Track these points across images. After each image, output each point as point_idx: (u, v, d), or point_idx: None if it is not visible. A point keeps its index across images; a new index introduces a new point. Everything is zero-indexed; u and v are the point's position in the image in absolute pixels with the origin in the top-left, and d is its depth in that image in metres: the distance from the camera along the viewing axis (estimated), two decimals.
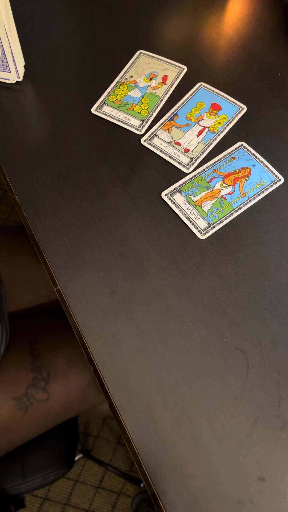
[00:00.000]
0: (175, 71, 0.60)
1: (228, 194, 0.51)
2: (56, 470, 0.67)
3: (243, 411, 0.41)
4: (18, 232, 0.76)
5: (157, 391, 0.42)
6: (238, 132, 0.56)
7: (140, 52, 0.62)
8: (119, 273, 0.47)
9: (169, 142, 0.55)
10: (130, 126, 0.56)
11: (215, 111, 0.57)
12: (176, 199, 0.51)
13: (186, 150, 0.54)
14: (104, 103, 0.58)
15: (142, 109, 0.57)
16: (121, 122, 0.56)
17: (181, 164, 0.53)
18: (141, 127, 0.56)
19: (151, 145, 0.55)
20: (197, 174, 0.53)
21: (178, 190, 0.52)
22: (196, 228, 0.49)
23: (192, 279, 0.47)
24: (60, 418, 0.65)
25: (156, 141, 0.55)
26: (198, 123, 0.56)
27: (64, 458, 0.69)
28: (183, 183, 0.52)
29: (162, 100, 0.58)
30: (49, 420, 0.63)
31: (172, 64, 0.61)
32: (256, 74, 0.60)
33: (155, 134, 0.56)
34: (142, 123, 0.56)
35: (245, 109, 0.57)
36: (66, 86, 0.59)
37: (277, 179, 0.52)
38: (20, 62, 0.57)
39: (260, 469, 0.39)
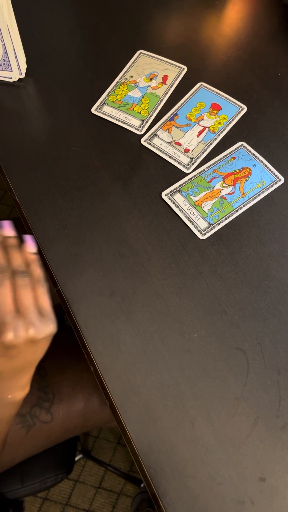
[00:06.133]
0: (175, 71, 0.60)
1: (229, 194, 0.51)
2: (55, 475, 0.67)
3: (243, 411, 0.41)
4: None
5: (157, 391, 0.42)
6: (238, 132, 0.56)
7: (140, 52, 0.62)
8: (119, 273, 0.47)
9: (169, 142, 0.55)
10: (130, 126, 0.56)
11: (215, 111, 0.57)
12: (176, 199, 0.51)
13: (186, 150, 0.54)
14: (104, 103, 0.58)
15: (142, 109, 0.57)
16: (121, 122, 0.56)
17: (181, 164, 0.53)
18: (141, 127, 0.56)
19: (151, 145, 0.55)
20: (197, 174, 0.53)
21: (178, 190, 0.52)
22: (196, 228, 0.49)
23: (192, 279, 0.47)
24: (61, 439, 0.64)
25: (156, 141, 0.55)
26: (198, 123, 0.56)
27: (63, 463, 0.69)
28: (183, 183, 0.52)
29: (162, 100, 0.58)
30: (49, 441, 0.62)
31: (172, 64, 0.61)
32: (256, 74, 0.60)
33: (155, 134, 0.56)
34: (142, 123, 0.56)
35: (245, 109, 0.57)
36: (66, 86, 0.59)
37: (277, 179, 0.52)
38: (22, 58, 0.58)
39: (260, 469, 0.39)
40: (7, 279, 0.35)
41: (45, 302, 0.37)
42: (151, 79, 0.60)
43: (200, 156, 0.54)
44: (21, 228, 0.52)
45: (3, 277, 0.35)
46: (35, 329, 0.34)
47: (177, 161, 0.54)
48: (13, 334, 0.33)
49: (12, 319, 0.34)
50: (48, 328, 0.36)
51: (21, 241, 0.40)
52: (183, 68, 0.61)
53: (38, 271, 0.38)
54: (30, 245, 0.40)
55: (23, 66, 0.58)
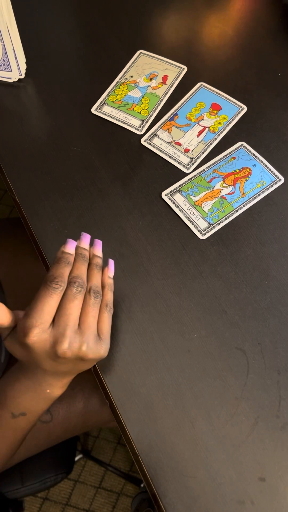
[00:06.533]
0: (175, 71, 0.60)
1: (229, 194, 0.51)
2: (55, 475, 0.67)
3: (243, 411, 0.41)
4: (15, 226, 0.75)
5: (157, 391, 0.42)
6: (238, 132, 0.56)
7: (140, 52, 0.62)
8: (119, 273, 0.47)
9: (169, 142, 0.55)
10: (130, 126, 0.56)
11: (215, 111, 0.57)
12: (176, 199, 0.51)
13: (186, 150, 0.54)
14: (104, 103, 0.58)
15: (142, 109, 0.57)
16: (121, 122, 0.56)
17: (181, 164, 0.53)
18: (141, 127, 0.56)
19: (151, 145, 0.55)
20: (197, 174, 0.53)
21: (178, 190, 0.52)
22: (196, 228, 0.49)
23: (192, 279, 0.47)
24: (61, 439, 0.64)
25: (156, 141, 0.55)
26: (198, 123, 0.56)
27: (63, 463, 0.69)
28: (183, 183, 0.52)
29: (162, 100, 0.58)
30: (50, 441, 0.62)
31: (172, 64, 0.61)
32: (256, 74, 0.60)
33: (155, 134, 0.56)
34: (142, 123, 0.56)
35: (245, 109, 0.57)
36: (66, 86, 0.59)
37: (277, 179, 0.52)
38: (22, 59, 0.58)
39: (260, 469, 0.39)
40: (82, 295, 0.37)
41: (106, 326, 0.39)
42: (151, 79, 0.60)
43: (200, 156, 0.54)
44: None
45: (80, 292, 0.37)
46: (88, 349, 0.36)
47: (177, 161, 0.54)
48: (67, 346, 0.35)
49: (71, 333, 0.36)
50: (100, 351, 0.38)
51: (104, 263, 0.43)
52: (183, 68, 0.61)
53: (109, 295, 0.41)
54: (111, 270, 0.42)
55: (23, 67, 0.58)
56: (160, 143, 0.55)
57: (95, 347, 0.37)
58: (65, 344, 0.35)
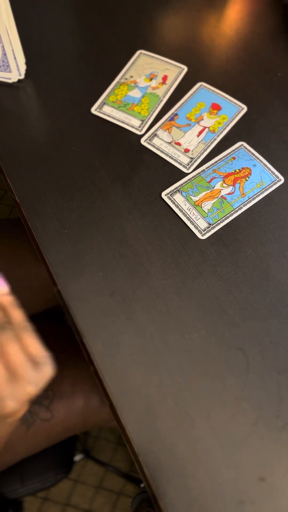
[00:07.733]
0: (175, 71, 0.60)
1: (228, 194, 0.51)
2: (55, 475, 0.67)
3: (244, 411, 0.41)
4: (14, 226, 0.75)
5: (157, 391, 0.42)
6: (238, 132, 0.56)
7: (140, 52, 0.62)
8: (119, 273, 0.47)
9: (169, 142, 0.55)
10: (130, 126, 0.56)
11: (215, 111, 0.57)
12: (176, 199, 0.51)
13: (186, 150, 0.54)
14: (104, 103, 0.58)
15: (142, 109, 0.57)
16: (121, 122, 0.56)
17: (181, 164, 0.53)
18: (141, 127, 0.56)
19: (151, 145, 0.55)
20: (197, 174, 0.53)
21: (178, 190, 0.52)
22: (196, 228, 0.49)
23: (192, 279, 0.47)
24: (61, 438, 0.64)
25: (156, 141, 0.55)
26: (198, 123, 0.56)
27: (62, 463, 0.69)
28: (183, 183, 0.52)
29: (162, 100, 0.58)
30: (50, 439, 0.62)
31: (172, 64, 0.61)
32: (256, 74, 0.60)
33: (155, 134, 0.56)
34: (142, 123, 0.56)
35: (245, 109, 0.57)
36: (66, 86, 0.59)
37: (277, 179, 0.52)
38: (21, 59, 0.58)
39: (260, 469, 0.39)
40: None
41: (35, 347, 0.32)
42: (151, 79, 0.60)
43: (200, 156, 0.54)
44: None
45: None
46: (35, 385, 0.31)
47: (177, 161, 0.54)
48: (12, 404, 0.30)
49: (6, 388, 0.30)
50: (46, 374, 0.32)
51: None
52: (183, 68, 0.61)
53: (16, 313, 0.33)
54: (0, 284, 0.34)
55: (22, 67, 0.58)
56: (160, 143, 0.55)
57: (39, 377, 0.31)
58: (9, 404, 0.29)
